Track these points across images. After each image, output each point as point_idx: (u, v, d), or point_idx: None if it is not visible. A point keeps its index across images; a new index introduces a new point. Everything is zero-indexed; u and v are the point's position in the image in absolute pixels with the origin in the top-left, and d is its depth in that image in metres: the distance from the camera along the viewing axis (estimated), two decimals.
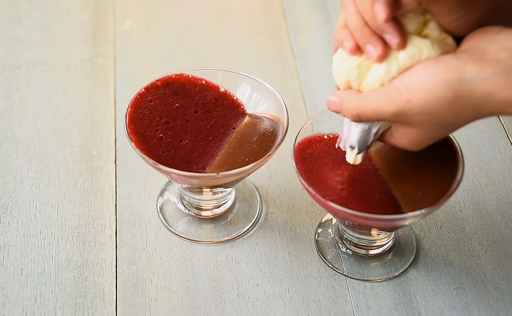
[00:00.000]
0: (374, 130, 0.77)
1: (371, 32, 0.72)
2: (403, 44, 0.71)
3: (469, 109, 0.69)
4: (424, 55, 0.71)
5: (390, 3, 0.70)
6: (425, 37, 0.72)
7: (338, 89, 0.77)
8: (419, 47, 0.71)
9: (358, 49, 0.73)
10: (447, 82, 0.68)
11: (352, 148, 0.79)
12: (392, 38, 0.71)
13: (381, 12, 0.70)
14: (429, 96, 0.69)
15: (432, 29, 0.73)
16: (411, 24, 0.72)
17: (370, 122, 0.75)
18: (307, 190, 0.81)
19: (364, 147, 0.79)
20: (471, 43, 0.70)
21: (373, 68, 0.73)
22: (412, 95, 0.69)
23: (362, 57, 0.74)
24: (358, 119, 0.75)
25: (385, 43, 0.72)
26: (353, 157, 0.80)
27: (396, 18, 0.71)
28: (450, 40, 0.72)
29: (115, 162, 1.00)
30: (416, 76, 0.70)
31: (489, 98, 0.67)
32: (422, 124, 0.71)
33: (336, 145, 0.81)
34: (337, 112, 0.76)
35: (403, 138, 0.74)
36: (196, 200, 0.93)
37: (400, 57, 0.72)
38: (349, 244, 0.90)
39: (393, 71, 0.72)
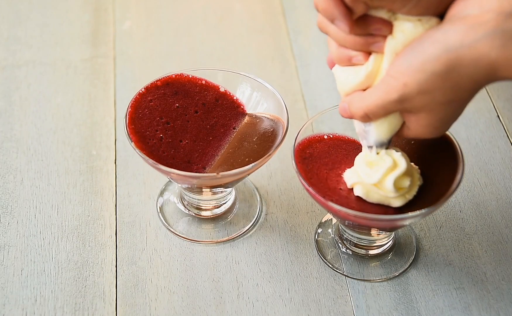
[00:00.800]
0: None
1: (365, 37, 0.73)
2: (390, 29, 0.72)
3: (463, 79, 0.68)
4: (409, 36, 0.71)
5: (346, 13, 0.71)
6: (407, 21, 0.72)
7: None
8: (402, 31, 0.72)
9: (367, 55, 0.74)
10: (434, 56, 0.68)
11: (371, 148, 0.79)
12: (379, 29, 0.72)
13: (343, 27, 0.71)
14: (422, 75, 0.69)
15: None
16: (382, 15, 0.73)
17: (379, 117, 0.75)
18: (307, 190, 0.81)
19: (381, 145, 0.79)
20: (453, 12, 0.70)
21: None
22: (406, 78, 0.70)
23: (369, 61, 0.75)
24: (367, 118, 0.75)
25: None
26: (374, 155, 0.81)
27: (367, 15, 0.72)
28: (431, 17, 0.72)
29: (115, 162, 1.00)
30: (405, 59, 0.70)
31: (478, 63, 0.67)
32: (427, 106, 0.71)
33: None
34: (349, 117, 0.77)
35: (417, 127, 0.74)
36: (196, 200, 0.93)
37: (387, 46, 0.73)
38: (349, 244, 0.90)
39: (386, 62, 0.73)
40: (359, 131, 0.79)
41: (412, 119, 0.74)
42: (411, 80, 0.69)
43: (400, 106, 0.72)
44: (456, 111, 0.73)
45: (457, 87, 0.69)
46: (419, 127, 0.74)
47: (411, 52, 0.70)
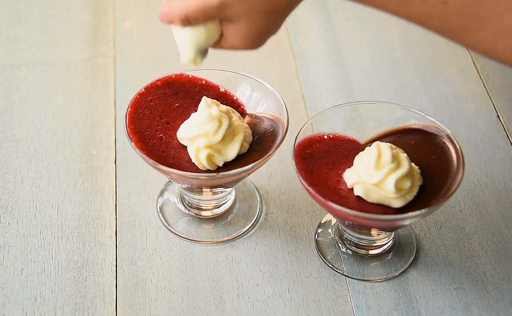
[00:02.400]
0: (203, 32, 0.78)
1: None
2: None
3: None
4: None
5: None
6: None
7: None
8: None
9: None
10: None
11: (188, 54, 0.80)
12: None
13: None
14: None
15: None
16: None
17: (199, 22, 0.76)
18: (307, 190, 0.81)
19: (199, 53, 0.80)
20: None
21: None
22: None
23: None
24: (187, 21, 0.76)
25: None
26: (192, 61, 0.81)
27: None
28: None
29: (115, 162, 1.00)
30: None
31: None
32: (246, 14, 0.73)
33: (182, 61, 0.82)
34: (169, 22, 0.78)
35: (235, 37, 0.76)
36: (196, 200, 0.93)
37: None
38: (349, 244, 0.90)
39: None
40: (177, 38, 0.80)
41: (230, 28, 0.76)
42: None
43: (220, 12, 0.73)
44: (274, 23, 0.75)
45: None
46: (237, 37, 0.76)
47: None
